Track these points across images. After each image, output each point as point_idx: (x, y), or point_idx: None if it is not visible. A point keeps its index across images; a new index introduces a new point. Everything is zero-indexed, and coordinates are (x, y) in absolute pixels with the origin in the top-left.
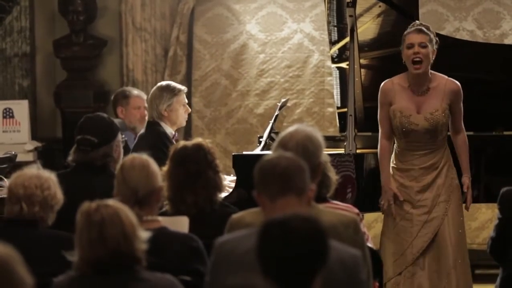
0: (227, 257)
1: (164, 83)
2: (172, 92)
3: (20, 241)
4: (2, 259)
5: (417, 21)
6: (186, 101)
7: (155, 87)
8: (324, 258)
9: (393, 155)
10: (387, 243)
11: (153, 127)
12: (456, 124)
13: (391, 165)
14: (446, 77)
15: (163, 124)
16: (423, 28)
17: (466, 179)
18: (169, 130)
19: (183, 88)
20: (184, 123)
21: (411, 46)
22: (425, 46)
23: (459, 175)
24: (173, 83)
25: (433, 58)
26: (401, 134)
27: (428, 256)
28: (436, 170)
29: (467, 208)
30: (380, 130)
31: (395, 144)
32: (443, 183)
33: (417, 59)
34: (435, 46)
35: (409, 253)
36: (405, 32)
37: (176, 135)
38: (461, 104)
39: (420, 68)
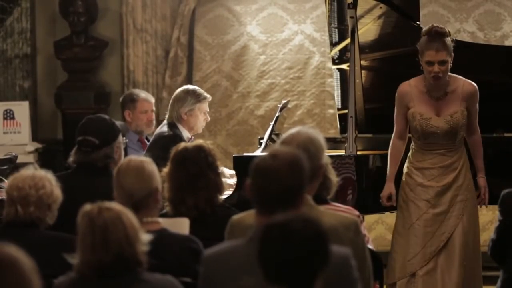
0: (219, 270)
1: (191, 87)
2: (197, 97)
3: (19, 243)
4: (12, 260)
5: (433, 24)
6: (208, 109)
7: (181, 89)
8: (325, 259)
9: (410, 154)
10: (400, 243)
11: (171, 129)
12: (471, 125)
13: (408, 164)
14: (463, 78)
15: (180, 127)
16: (441, 45)
17: (482, 180)
18: (186, 134)
19: (208, 96)
20: (200, 131)
21: (430, 64)
22: (445, 63)
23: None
24: (200, 89)
25: (451, 62)
26: (420, 136)
27: (441, 255)
28: (455, 171)
29: (486, 205)
30: (394, 129)
31: (412, 144)
32: (462, 183)
33: (437, 76)
34: (453, 45)
35: (425, 252)
36: (423, 43)
37: (193, 138)
38: (477, 105)
39: (439, 81)
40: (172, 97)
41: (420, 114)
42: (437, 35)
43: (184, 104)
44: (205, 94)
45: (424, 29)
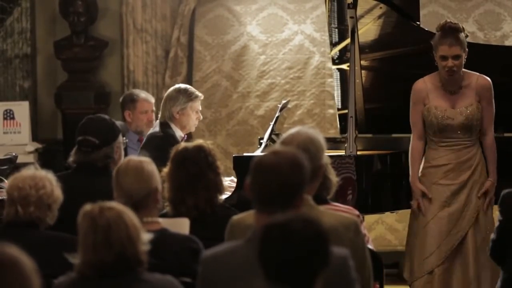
0: (218, 271)
1: (182, 85)
2: (188, 96)
3: (19, 243)
4: (13, 260)
5: (447, 20)
6: (200, 108)
7: (172, 88)
8: (325, 259)
9: (425, 155)
10: (416, 243)
11: (163, 128)
12: (484, 124)
13: (424, 164)
14: (478, 74)
15: (173, 126)
16: (454, 40)
17: (489, 182)
18: (179, 133)
19: (200, 95)
20: (193, 129)
21: (444, 58)
22: (459, 57)
23: None
24: (192, 88)
25: (465, 58)
26: (436, 131)
27: (456, 254)
28: (471, 168)
29: (483, 209)
30: (412, 131)
31: (427, 145)
32: (477, 181)
33: (451, 70)
34: (466, 43)
35: (441, 251)
36: (437, 39)
37: (186, 137)
38: (492, 103)
39: (453, 75)
40: (164, 96)
41: (435, 107)
42: (451, 30)
43: (176, 103)
44: (197, 92)
45: (438, 25)
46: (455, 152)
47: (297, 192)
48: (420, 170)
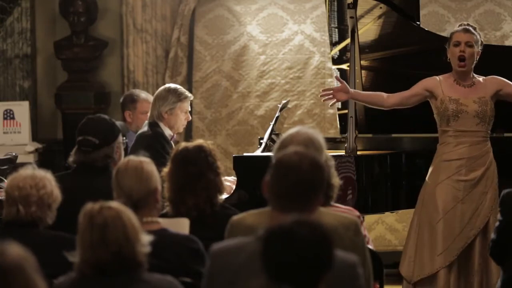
0: (226, 266)
1: (172, 85)
2: (178, 97)
3: (20, 243)
4: (18, 262)
5: (464, 22)
6: (189, 109)
7: (162, 87)
8: (329, 264)
9: (437, 152)
10: (426, 238)
11: (152, 127)
12: None
13: (435, 159)
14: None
15: (161, 125)
16: (470, 28)
17: None
18: (168, 132)
19: (190, 95)
20: (181, 130)
21: (457, 44)
22: (471, 46)
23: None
24: (181, 88)
25: (477, 59)
26: (450, 117)
27: (464, 254)
28: (484, 166)
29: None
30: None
31: (439, 143)
32: (491, 181)
33: (462, 57)
34: (480, 47)
35: (453, 248)
36: (453, 31)
37: (175, 136)
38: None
39: (464, 66)
40: (154, 95)
41: (449, 97)
42: (467, 25)
43: (165, 103)
44: (187, 93)
45: (457, 26)
46: (468, 147)
47: (315, 192)
48: (432, 166)
